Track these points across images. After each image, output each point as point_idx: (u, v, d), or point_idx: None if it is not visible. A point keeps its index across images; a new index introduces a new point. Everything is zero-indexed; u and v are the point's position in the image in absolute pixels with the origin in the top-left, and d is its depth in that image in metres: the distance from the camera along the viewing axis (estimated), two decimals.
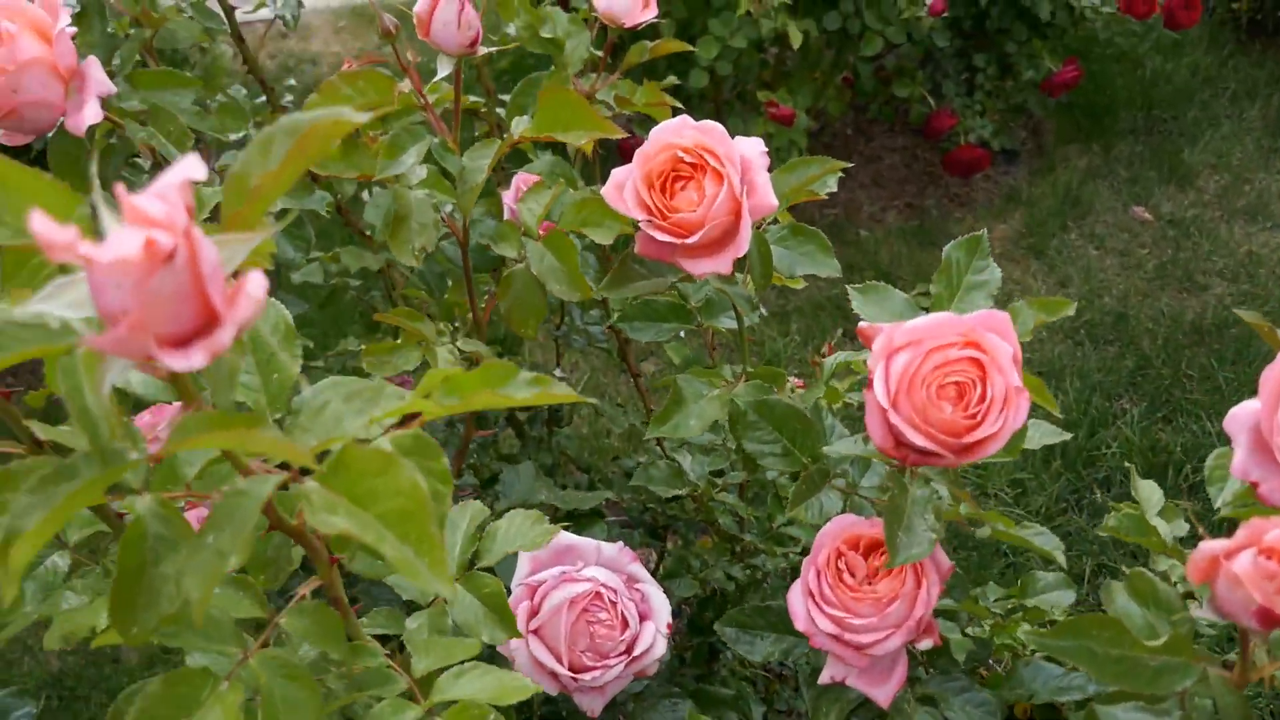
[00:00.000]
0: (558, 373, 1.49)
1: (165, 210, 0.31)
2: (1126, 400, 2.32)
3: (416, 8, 0.70)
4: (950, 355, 0.62)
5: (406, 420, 0.44)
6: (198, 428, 0.34)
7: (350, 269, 0.99)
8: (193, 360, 0.31)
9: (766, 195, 0.68)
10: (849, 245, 2.85)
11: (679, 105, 1.20)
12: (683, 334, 0.98)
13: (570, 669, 0.76)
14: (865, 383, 0.67)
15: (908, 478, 0.72)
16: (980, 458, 0.63)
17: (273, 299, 0.46)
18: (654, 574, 1.44)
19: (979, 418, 0.62)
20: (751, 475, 0.99)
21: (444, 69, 0.71)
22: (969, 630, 1.12)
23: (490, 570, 0.68)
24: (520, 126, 0.73)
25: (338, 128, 0.32)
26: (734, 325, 0.90)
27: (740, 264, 0.76)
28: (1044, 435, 0.98)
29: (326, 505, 0.36)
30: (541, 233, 0.83)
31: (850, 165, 0.78)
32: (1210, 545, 0.60)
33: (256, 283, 0.32)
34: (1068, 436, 0.95)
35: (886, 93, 2.94)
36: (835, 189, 0.83)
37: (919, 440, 0.62)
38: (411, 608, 0.72)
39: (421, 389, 0.42)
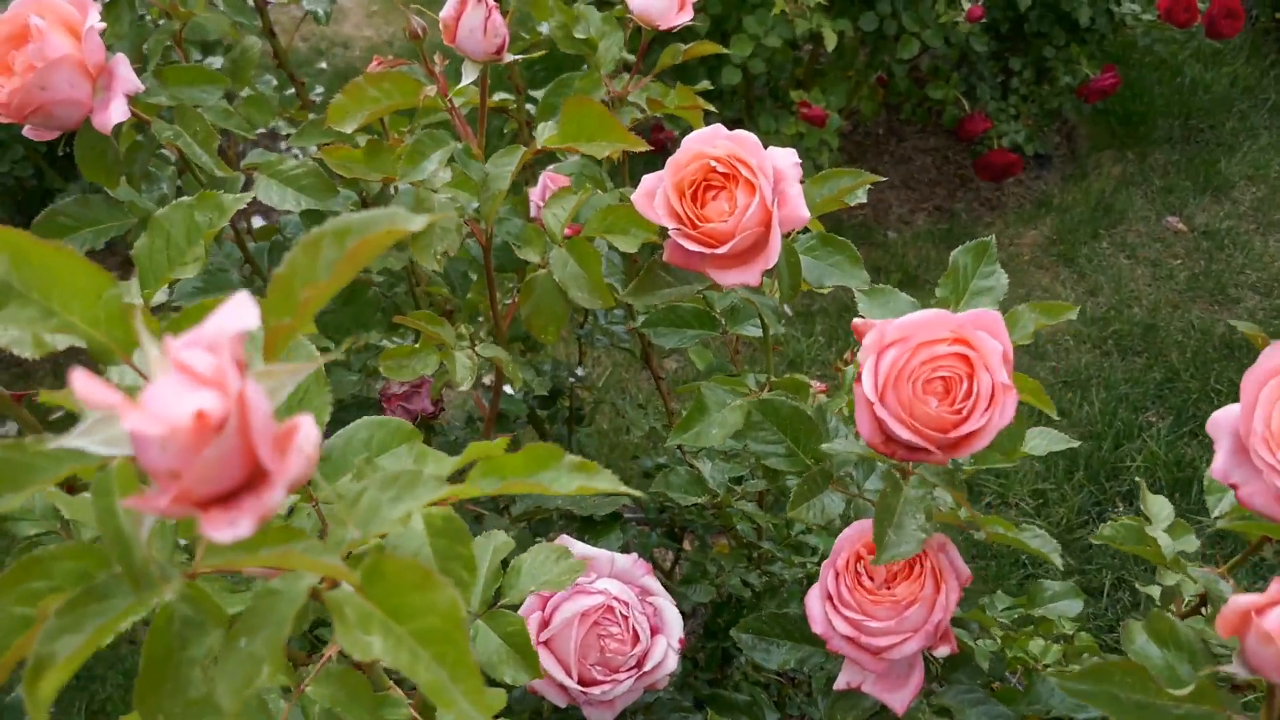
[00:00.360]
0: (580, 371, 1.49)
1: (216, 367, 0.29)
2: (1153, 413, 2.30)
3: (443, 13, 0.70)
4: (938, 351, 0.63)
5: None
6: (232, 546, 0.32)
7: (373, 267, 0.99)
8: (239, 530, 0.29)
9: (798, 207, 0.68)
10: (877, 247, 2.83)
11: (711, 109, 1.20)
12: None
13: (580, 682, 0.76)
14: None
15: (904, 478, 0.72)
16: (967, 453, 0.64)
17: (305, 341, 0.46)
18: (670, 574, 1.44)
19: (964, 413, 0.62)
20: (772, 484, 0.99)
21: (469, 75, 0.71)
22: (980, 643, 1.12)
23: (513, 608, 0.68)
24: (545, 135, 0.73)
25: (390, 236, 0.31)
26: (759, 333, 0.90)
27: (769, 273, 0.76)
28: (1051, 442, 0.97)
29: (361, 621, 0.34)
30: (568, 234, 0.82)
31: (883, 179, 0.77)
32: (1241, 600, 0.59)
33: (309, 435, 0.30)
34: (1076, 444, 0.94)
35: (920, 94, 2.91)
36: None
37: (904, 434, 0.62)
38: None
39: (458, 463, 0.42)
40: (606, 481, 0.43)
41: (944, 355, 0.63)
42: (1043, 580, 1.13)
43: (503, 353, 0.84)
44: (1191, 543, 1.00)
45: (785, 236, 0.80)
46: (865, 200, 0.82)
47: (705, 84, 1.30)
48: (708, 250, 0.66)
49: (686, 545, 1.49)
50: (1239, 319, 2.53)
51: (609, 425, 2.18)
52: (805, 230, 0.91)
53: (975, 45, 2.71)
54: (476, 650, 0.66)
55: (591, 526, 0.96)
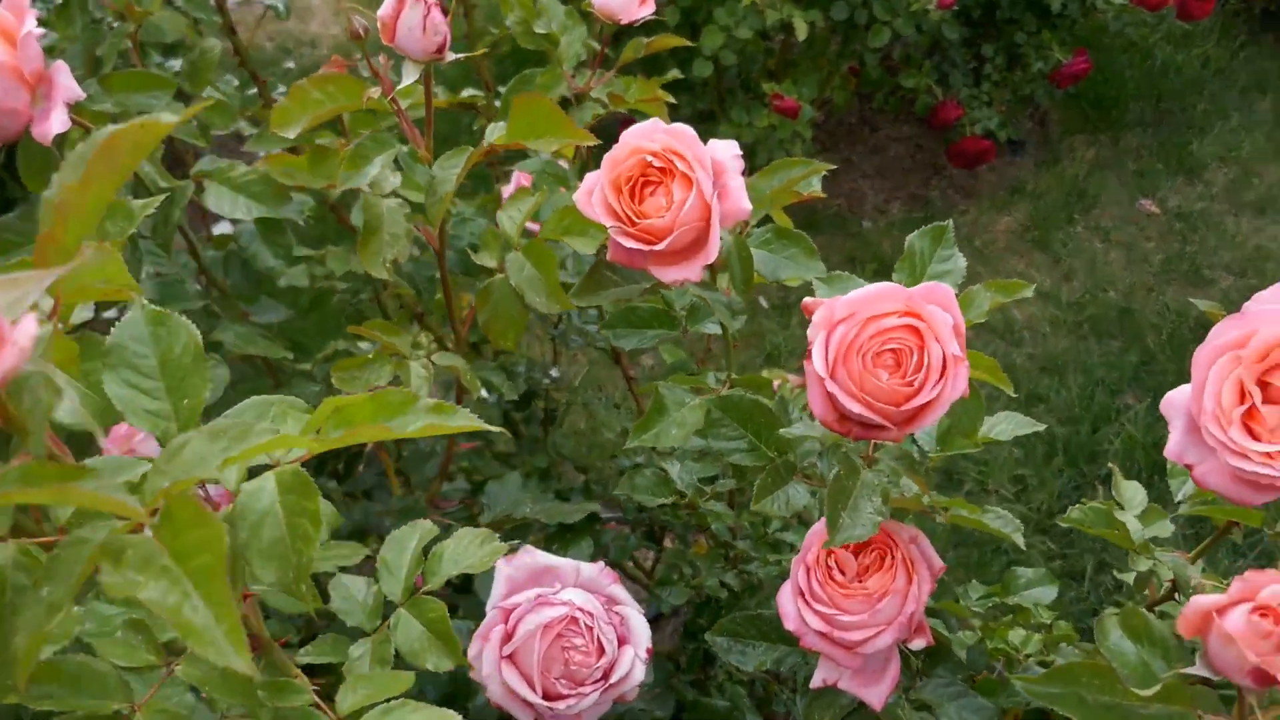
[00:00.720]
0: (554, 372, 1.47)
1: None
2: (1130, 396, 2.30)
3: (380, 11, 0.68)
4: (888, 324, 0.62)
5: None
6: (8, 482, 0.32)
7: (335, 272, 0.97)
8: None
9: (740, 200, 0.67)
10: (851, 237, 2.82)
11: (671, 100, 1.18)
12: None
13: (544, 697, 0.74)
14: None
15: (866, 464, 0.71)
16: (921, 427, 0.63)
17: (182, 318, 0.45)
18: (651, 574, 1.43)
19: (916, 385, 0.61)
20: (742, 482, 0.98)
21: (409, 76, 0.69)
22: (960, 634, 1.11)
23: (435, 594, 0.67)
24: (494, 133, 0.72)
25: (146, 132, 0.30)
26: (720, 330, 0.88)
27: (722, 268, 0.75)
28: (1018, 426, 0.96)
29: (140, 562, 0.33)
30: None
31: (832, 168, 0.77)
32: (1202, 600, 0.58)
33: (25, 330, 0.30)
34: (1042, 427, 0.93)
35: (893, 83, 2.91)
36: (829, 183, 0.82)
37: (856, 408, 0.61)
38: (359, 634, 0.70)
39: (312, 421, 0.41)
40: (463, 419, 0.43)
41: (894, 328, 0.63)
42: (1016, 568, 1.12)
43: (460, 361, 0.82)
44: (1166, 528, 1.00)
45: (739, 232, 0.79)
46: (840, 189, 0.81)
47: (674, 74, 1.29)
48: (646, 247, 0.65)
49: (668, 545, 1.48)
50: (1213, 300, 2.54)
51: (586, 425, 2.17)
52: (768, 220, 0.90)
53: (947, 33, 2.71)
54: (399, 637, 0.65)
55: (563, 535, 0.95)
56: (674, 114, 3.06)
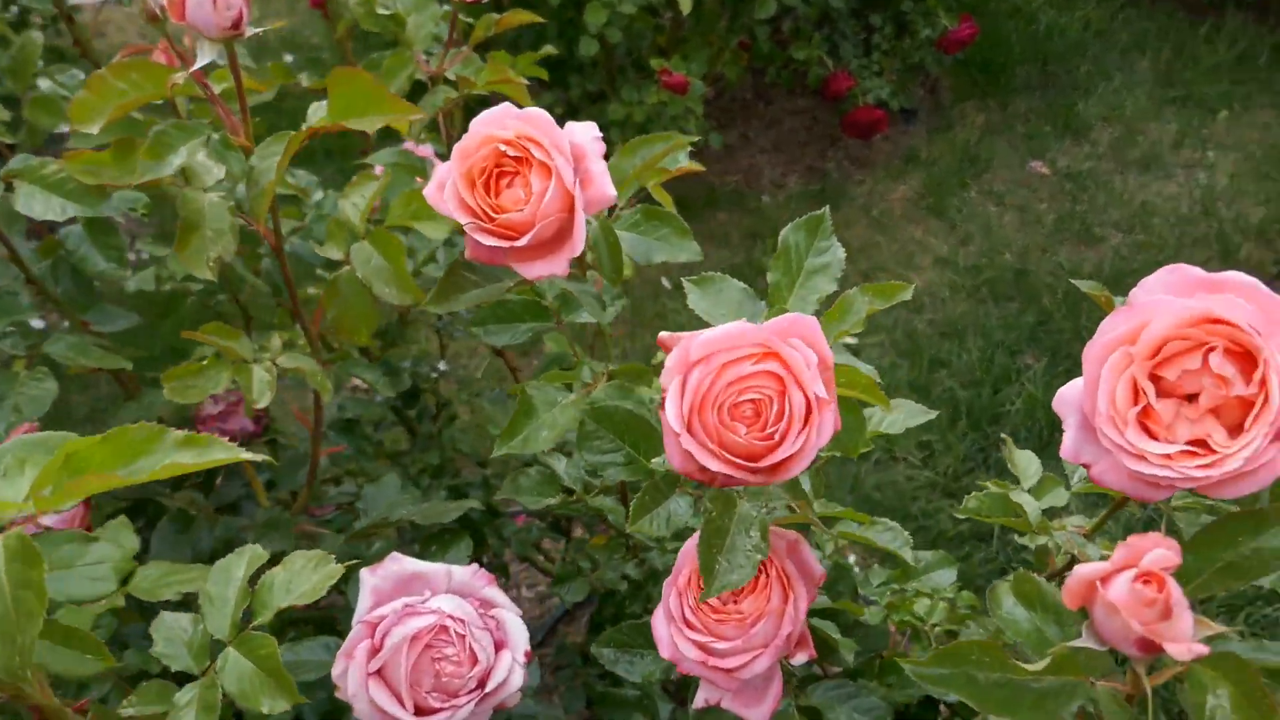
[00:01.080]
0: (442, 365, 1.42)
1: None
2: (1029, 356, 2.33)
3: None
4: (745, 370, 0.57)
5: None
6: None
7: (177, 274, 0.91)
8: None
9: (604, 186, 0.63)
10: (750, 213, 2.81)
11: (521, 80, 1.14)
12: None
13: (416, 712, 0.70)
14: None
15: (740, 493, 0.67)
16: (787, 477, 0.58)
17: None
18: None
19: (776, 438, 0.57)
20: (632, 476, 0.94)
21: (205, 56, 0.63)
22: (867, 614, 1.10)
23: (265, 628, 0.62)
24: (316, 114, 0.66)
25: None
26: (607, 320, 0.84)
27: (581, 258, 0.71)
28: (909, 417, 0.94)
29: None
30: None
31: (697, 139, 0.73)
32: (1085, 570, 0.56)
33: None
34: (933, 415, 0.91)
35: (784, 56, 2.90)
36: (726, 160, 0.79)
37: (715, 466, 0.57)
38: (185, 678, 0.64)
39: (42, 476, 0.36)
40: (221, 452, 0.39)
41: (751, 375, 0.58)
42: (916, 553, 1.11)
43: (308, 361, 0.77)
44: (1061, 496, 0.99)
45: (608, 217, 0.75)
46: (737, 166, 0.77)
47: (548, 49, 1.24)
48: (506, 243, 0.60)
49: (575, 536, 1.44)
50: (1104, 258, 2.58)
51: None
52: (646, 200, 0.86)
53: (835, 3, 2.70)
54: (227, 680, 0.60)
55: (441, 536, 0.90)
56: (564, 95, 3.00)
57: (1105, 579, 0.56)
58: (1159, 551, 0.55)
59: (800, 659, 0.71)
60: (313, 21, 3.45)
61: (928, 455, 2.13)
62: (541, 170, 0.61)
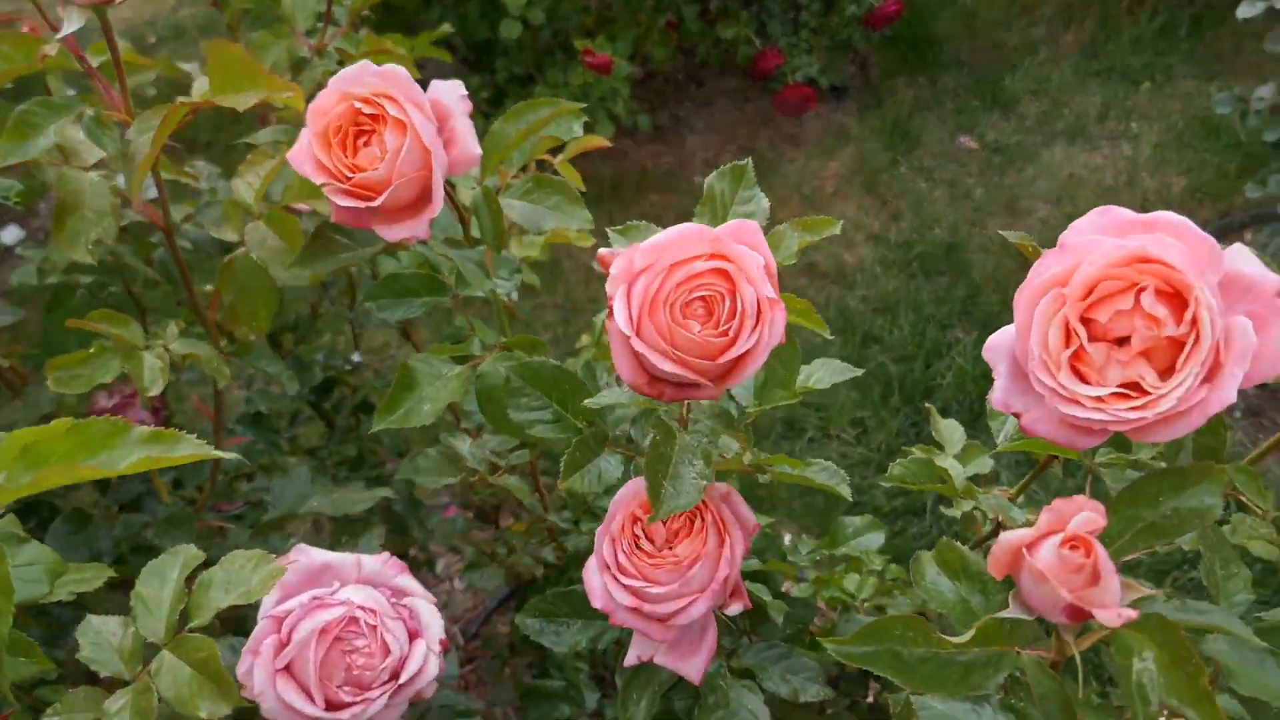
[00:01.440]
0: (355, 356, 1.39)
1: None
2: (959, 329, 2.34)
3: None
4: (695, 269, 0.56)
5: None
6: None
7: (59, 265, 0.87)
8: None
9: (469, 144, 0.61)
10: (684, 194, 2.80)
11: (443, 57, 1.11)
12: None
13: (326, 707, 0.68)
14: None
15: (681, 426, 0.66)
16: (740, 380, 0.57)
17: None
18: (492, 556, 1.37)
19: (731, 334, 0.56)
20: (535, 451, 0.92)
21: (72, 23, 0.60)
22: (796, 589, 1.09)
23: (205, 630, 0.59)
24: (199, 89, 0.63)
25: None
26: (501, 292, 0.82)
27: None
28: (834, 373, 0.93)
29: None
30: None
31: (581, 106, 0.71)
32: (1011, 537, 0.55)
33: None
34: (859, 372, 0.91)
35: (713, 35, 2.88)
36: (659, 142, 0.77)
37: (668, 367, 0.55)
38: (117, 683, 0.62)
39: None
40: (189, 448, 0.38)
41: (702, 273, 0.57)
42: (845, 518, 1.11)
43: (204, 348, 0.74)
44: (986, 464, 0.99)
45: (498, 185, 0.73)
46: (670, 146, 0.76)
47: (446, 28, 1.21)
48: (364, 204, 0.58)
49: (502, 524, 1.42)
50: (1033, 229, 2.61)
51: None
52: (540, 168, 0.84)
53: None
54: (163, 684, 0.57)
55: (351, 525, 0.87)
56: (491, 79, 2.95)
57: (1031, 546, 0.54)
58: (1085, 515, 0.54)
59: (735, 608, 0.70)
60: None
61: (861, 432, 2.13)
62: (397, 127, 0.59)
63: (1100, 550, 0.53)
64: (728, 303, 0.56)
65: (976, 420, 2.02)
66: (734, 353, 0.56)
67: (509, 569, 1.05)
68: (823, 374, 0.97)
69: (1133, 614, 0.53)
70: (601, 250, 0.61)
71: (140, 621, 0.63)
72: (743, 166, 0.76)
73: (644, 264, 0.57)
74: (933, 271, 2.50)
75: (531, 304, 2.48)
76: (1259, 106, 1.96)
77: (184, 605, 0.61)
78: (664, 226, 0.79)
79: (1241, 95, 2.01)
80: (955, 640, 0.60)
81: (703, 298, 0.57)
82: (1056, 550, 0.53)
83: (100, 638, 0.65)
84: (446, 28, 1.16)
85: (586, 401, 0.72)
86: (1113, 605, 0.53)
